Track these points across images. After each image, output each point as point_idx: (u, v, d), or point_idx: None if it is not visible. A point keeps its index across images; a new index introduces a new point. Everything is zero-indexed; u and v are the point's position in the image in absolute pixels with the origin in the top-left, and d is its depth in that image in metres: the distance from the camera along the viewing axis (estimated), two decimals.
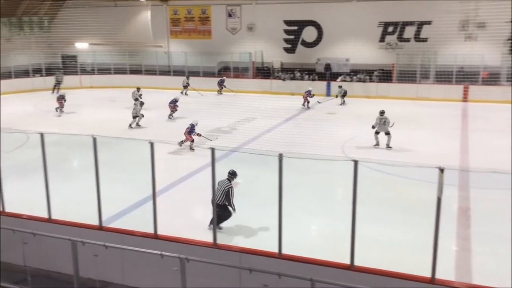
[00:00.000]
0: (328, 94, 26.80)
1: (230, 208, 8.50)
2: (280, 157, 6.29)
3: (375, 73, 26.95)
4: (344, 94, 24.20)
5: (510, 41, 25.43)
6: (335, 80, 27.33)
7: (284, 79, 28.30)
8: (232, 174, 8.80)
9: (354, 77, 27.35)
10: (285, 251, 6.64)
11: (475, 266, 7.81)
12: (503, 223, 8.66)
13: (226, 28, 31.67)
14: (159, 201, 7.64)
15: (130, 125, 18.52)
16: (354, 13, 27.76)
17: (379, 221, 9.57)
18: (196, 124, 15.05)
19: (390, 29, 27.83)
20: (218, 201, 8.25)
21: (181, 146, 15.09)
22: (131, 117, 18.64)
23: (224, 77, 28.02)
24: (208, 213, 8.56)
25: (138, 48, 31.94)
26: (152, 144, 6.89)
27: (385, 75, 26.93)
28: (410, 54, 26.55)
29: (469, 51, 25.53)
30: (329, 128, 17.61)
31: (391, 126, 15.55)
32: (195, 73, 29.60)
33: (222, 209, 8.43)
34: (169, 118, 20.40)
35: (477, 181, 11.66)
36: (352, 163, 6.14)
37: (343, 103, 24.18)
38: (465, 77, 25.18)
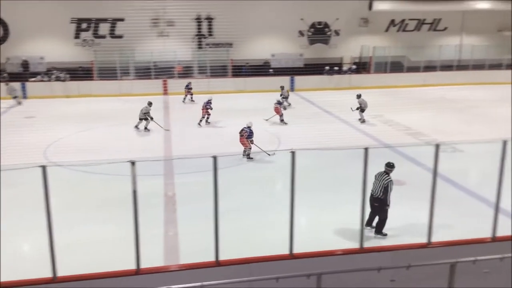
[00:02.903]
0: (24, 96, 24.27)
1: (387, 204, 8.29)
2: None
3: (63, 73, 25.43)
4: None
5: (197, 38, 28.32)
6: (28, 81, 24.97)
7: None
8: (391, 167, 8.33)
9: (52, 76, 25.54)
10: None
11: (182, 247, 8.36)
12: (205, 201, 9.48)
13: None
14: None
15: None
16: (41, 9, 25.76)
17: (88, 223, 9.25)
18: (211, 99, 17.70)
19: (84, 25, 27.09)
20: (377, 195, 8.23)
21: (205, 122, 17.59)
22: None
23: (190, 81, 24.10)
24: None
25: None
26: None
27: (85, 73, 26.17)
28: (108, 50, 26.50)
29: (162, 47, 27.20)
30: (29, 134, 16.12)
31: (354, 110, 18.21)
32: None
33: (380, 204, 8.27)
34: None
35: (180, 167, 12.50)
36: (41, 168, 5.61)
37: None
38: (162, 72, 26.74)
